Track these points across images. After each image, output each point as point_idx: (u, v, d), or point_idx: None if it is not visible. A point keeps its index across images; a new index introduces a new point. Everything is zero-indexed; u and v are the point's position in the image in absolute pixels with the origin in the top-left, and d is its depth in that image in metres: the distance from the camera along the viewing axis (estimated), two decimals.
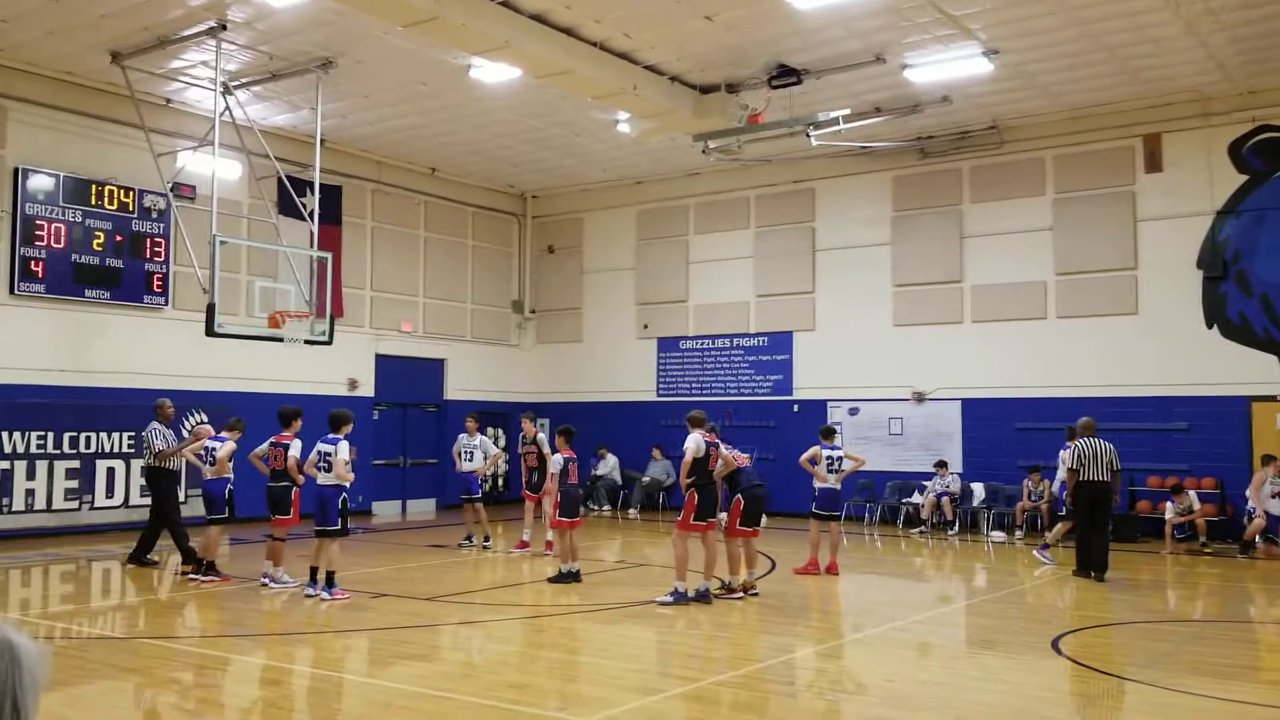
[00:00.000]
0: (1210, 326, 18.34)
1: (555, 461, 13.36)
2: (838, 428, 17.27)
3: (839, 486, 14.19)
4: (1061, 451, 16.02)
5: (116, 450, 17.99)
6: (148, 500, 18.09)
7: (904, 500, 20.64)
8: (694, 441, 11.61)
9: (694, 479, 11.59)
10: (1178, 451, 18.21)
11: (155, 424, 14.29)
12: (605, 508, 23.36)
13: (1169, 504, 17.01)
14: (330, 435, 11.89)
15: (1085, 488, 13.90)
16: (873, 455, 21.31)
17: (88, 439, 17.70)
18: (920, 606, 12.26)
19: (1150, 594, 13.36)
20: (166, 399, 14.79)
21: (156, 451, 14.03)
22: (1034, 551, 15.40)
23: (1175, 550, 16.49)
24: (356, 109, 19.30)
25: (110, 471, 17.92)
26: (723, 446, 11.95)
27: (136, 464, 18.18)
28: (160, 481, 14.20)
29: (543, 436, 16.29)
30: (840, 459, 14.19)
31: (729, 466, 11.82)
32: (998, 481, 19.84)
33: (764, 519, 13.91)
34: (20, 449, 16.82)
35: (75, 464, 17.54)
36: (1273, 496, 16.20)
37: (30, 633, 2.62)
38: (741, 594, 11.84)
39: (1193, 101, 18.44)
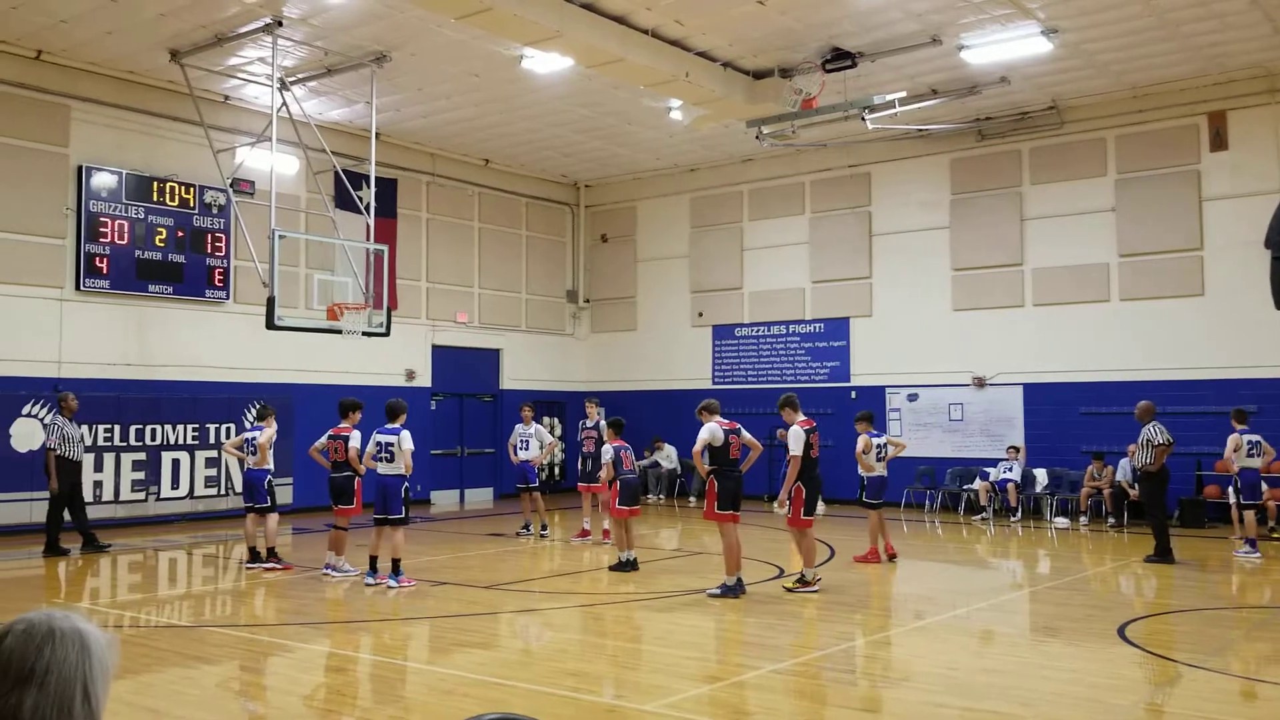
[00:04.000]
0: (1279, 307, 17.93)
1: (606, 451, 13.41)
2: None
3: (886, 473, 14.15)
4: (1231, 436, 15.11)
5: (181, 442, 18.29)
6: (213, 491, 18.62)
7: (965, 487, 20.41)
8: (708, 431, 11.27)
9: (714, 467, 11.30)
10: None
11: (58, 416, 14.57)
12: (662, 496, 23.37)
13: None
14: (389, 426, 12.04)
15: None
16: (932, 441, 21.13)
17: (153, 431, 18.01)
18: (983, 594, 12.12)
19: (1218, 580, 13.12)
20: (70, 393, 15.00)
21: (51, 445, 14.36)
22: (1235, 553, 14.59)
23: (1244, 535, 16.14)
24: (410, 102, 19.42)
25: (175, 463, 18.23)
26: (744, 433, 11.64)
27: (201, 455, 18.52)
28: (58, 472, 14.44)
29: (604, 423, 16.26)
30: (885, 445, 14.19)
31: (756, 453, 11.61)
32: (1061, 467, 19.58)
33: (821, 506, 13.78)
34: (88, 442, 17.11)
35: (141, 456, 17.87)
36: None
37: (100, 622, 2.65)
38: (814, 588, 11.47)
39: (1259, 78, 18.02)
